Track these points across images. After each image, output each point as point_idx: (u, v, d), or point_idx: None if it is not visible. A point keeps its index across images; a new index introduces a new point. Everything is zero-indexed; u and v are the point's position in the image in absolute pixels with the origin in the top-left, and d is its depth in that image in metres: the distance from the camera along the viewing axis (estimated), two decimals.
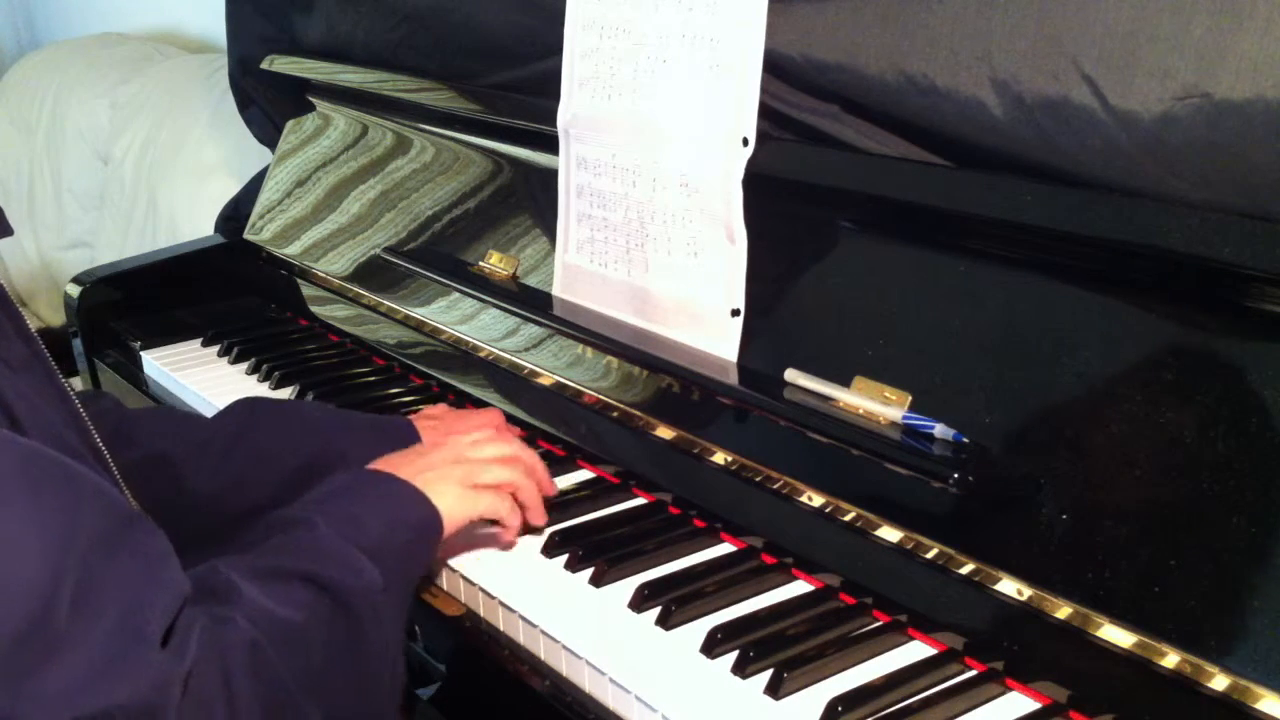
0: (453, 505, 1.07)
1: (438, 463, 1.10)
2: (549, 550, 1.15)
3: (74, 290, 1.86)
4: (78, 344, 1.86)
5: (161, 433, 1.22)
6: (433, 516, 1.05)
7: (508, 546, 1.15)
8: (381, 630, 0.97)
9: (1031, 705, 0.93)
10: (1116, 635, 0.89)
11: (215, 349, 1.72)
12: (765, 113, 1.21)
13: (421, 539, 1.05)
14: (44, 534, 0.77)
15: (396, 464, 1.09)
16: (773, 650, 0.98)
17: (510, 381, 1.43)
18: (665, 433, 1.24)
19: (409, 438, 1.24)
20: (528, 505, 1.15)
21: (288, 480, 1.17)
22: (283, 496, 1.14)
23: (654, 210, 1.30)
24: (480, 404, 1.45)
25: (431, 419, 1.30)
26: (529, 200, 1.54)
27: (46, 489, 0.79)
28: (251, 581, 0.91)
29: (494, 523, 1.14)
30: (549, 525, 1.18)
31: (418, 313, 1.59)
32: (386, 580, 0.97)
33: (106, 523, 0.81)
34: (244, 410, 1.28)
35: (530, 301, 1.44)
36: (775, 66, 1.20)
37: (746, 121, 1.20)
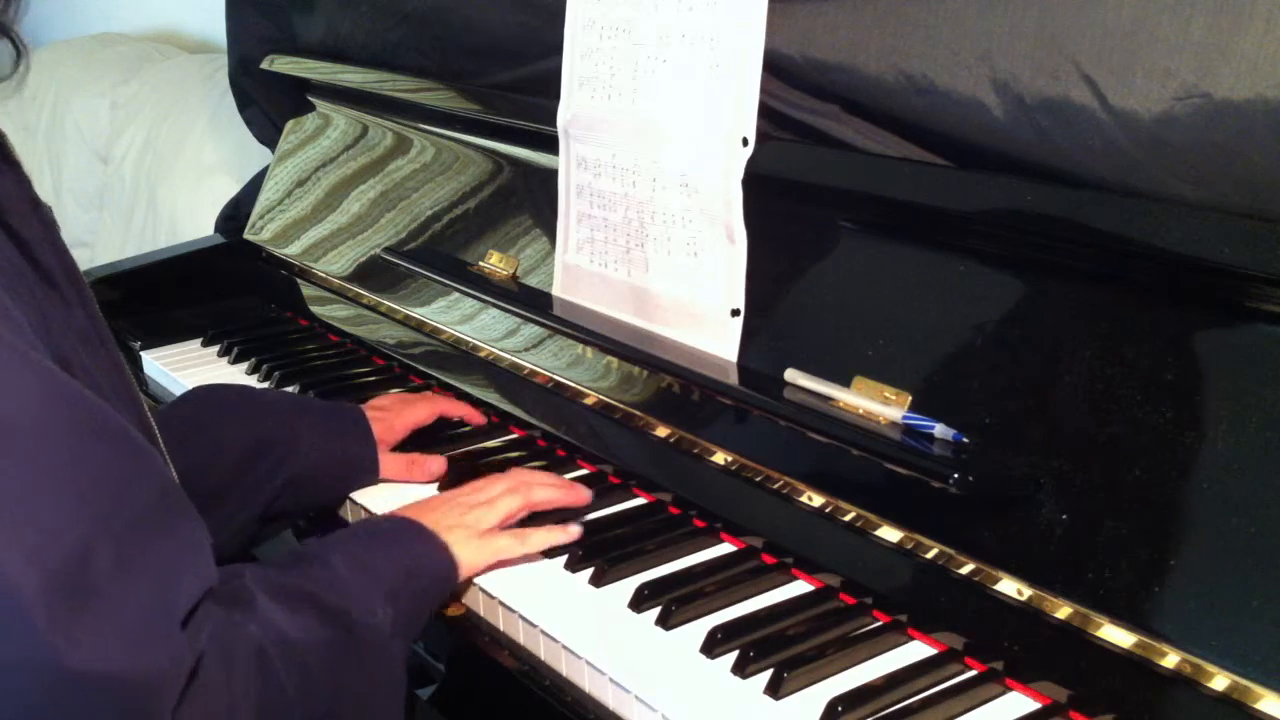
0: (469, 555, 1.09)
1: (447, 513, 1.12)
2: (549, 550, 1.15)
3: None
4: None
5: None
6: (449, 564, 1.07)
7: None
8: (390, 669, 0.98)
9: (1031, 705, 0.93)
10: (1116, 635, 0.89)
11: (215, 349, 1.72)
12: (765, 113, 1.21)
13: (435, 586, 1.06)
14: (101, 490, 0.78)
15: (415, 515, 1.11)
16: (773, 650, 0.98)
17: (510, 381, 1.43)
18: (665, 433, 1.24)
19: (359, 423, 1.28)
20: (554, 504, 1.18)
21: (241, 461, 1.20)
22: (239, 479, 1.18)
23: (654, 210, 1.30)
24: (480, 404, 1.45)
25: (380, 409, 1.33)
26: (529, 200, 1.54)
27: (112, 449, 0.80)
28: (269, 596, 0.92)
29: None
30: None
31: (418, 313, 1.59)
32: (396, 622, 0.98)
33: (160, 501, 0.83)
34: (200, 397, 1.31)
35: (530, 301, 1.44)
36: (775, 66, 1.20)
37: (746, 121, 1.20)
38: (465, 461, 1.32)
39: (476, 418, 1.41)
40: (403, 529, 1.08)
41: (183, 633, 0.81)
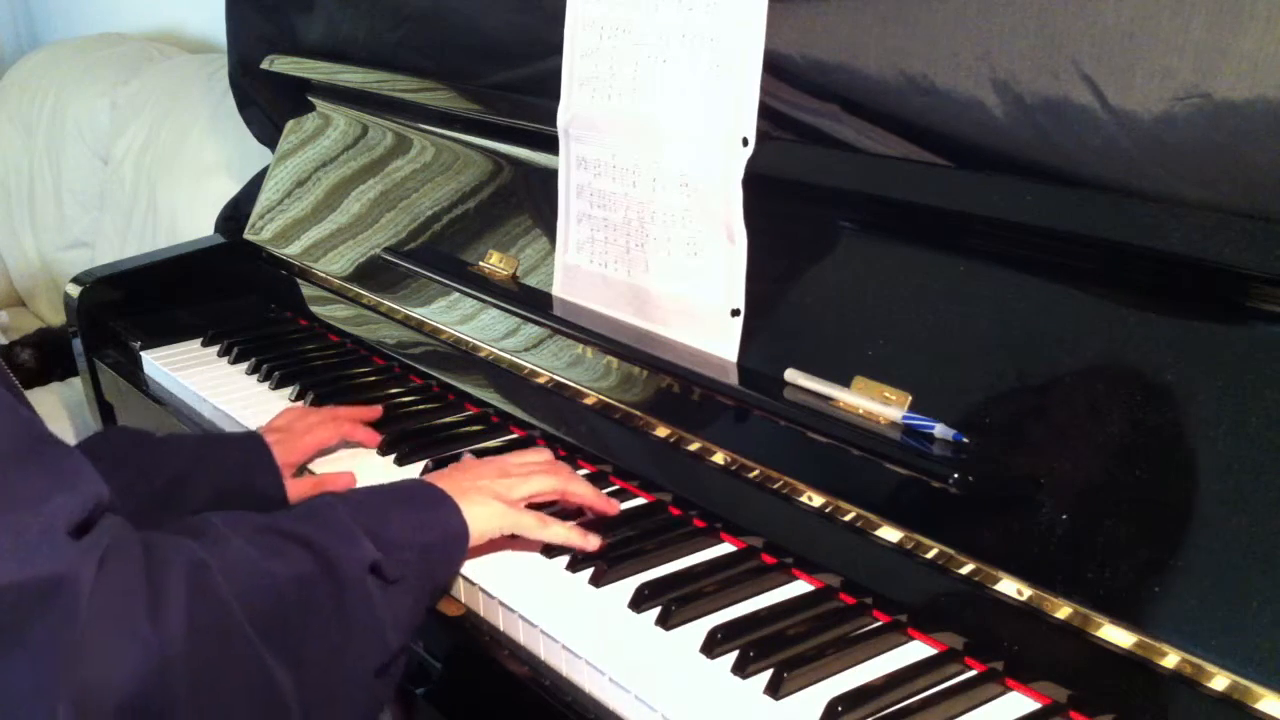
0: (486, 516, 1.10)
1: (479, 475, 1.14)
2: (549, 550, 1.15)
3: (74, 290, 1.86)
4: (78, 344, 1.86)
5: None
6: (459, 524, 1.07)
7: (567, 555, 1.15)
8: (373, 610, 0.97)
9: (1031, 705, 0.93)
10: (1116, 635, 0.89)
11: (215, 349, 1.72)
12: (765, 113, 1.21)
13: (445, 542, 1.06)
14: None
15: (442, 476, 1.13)
16: (773, 650, 0.98)
17: (510, 381, 1.43)
18: (665, 433, 1.24)
19: (260, 453, 1.26)
20: (585, 503, 1.19)
21: (149, 503, 1.17)
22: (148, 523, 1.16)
23: (654, 210, 1.30)
24: (480, 403, 1.45)
25: (279, 430, 1.32)
26: (529, 200, 1.54)
27: None
28: (241, 531, 0.93)
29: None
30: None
31: (418, 313, 1.59)
32: (391, 568, 0.99)
33: (17, 434, 0.83)
34: (107, 440, 1.28)
35: (530, 301, 1.44)
36: (775, 66, 1.20)
37: (746, 121, 1.20)
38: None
39: (372, 440, 1.37)
40: (420, 490, 1.10)
41: (73, 542, 0.80)
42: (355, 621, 0.96)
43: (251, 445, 1.28)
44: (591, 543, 1.13)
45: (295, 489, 1.27)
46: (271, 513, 1.00)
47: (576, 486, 1.18)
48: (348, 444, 1.38)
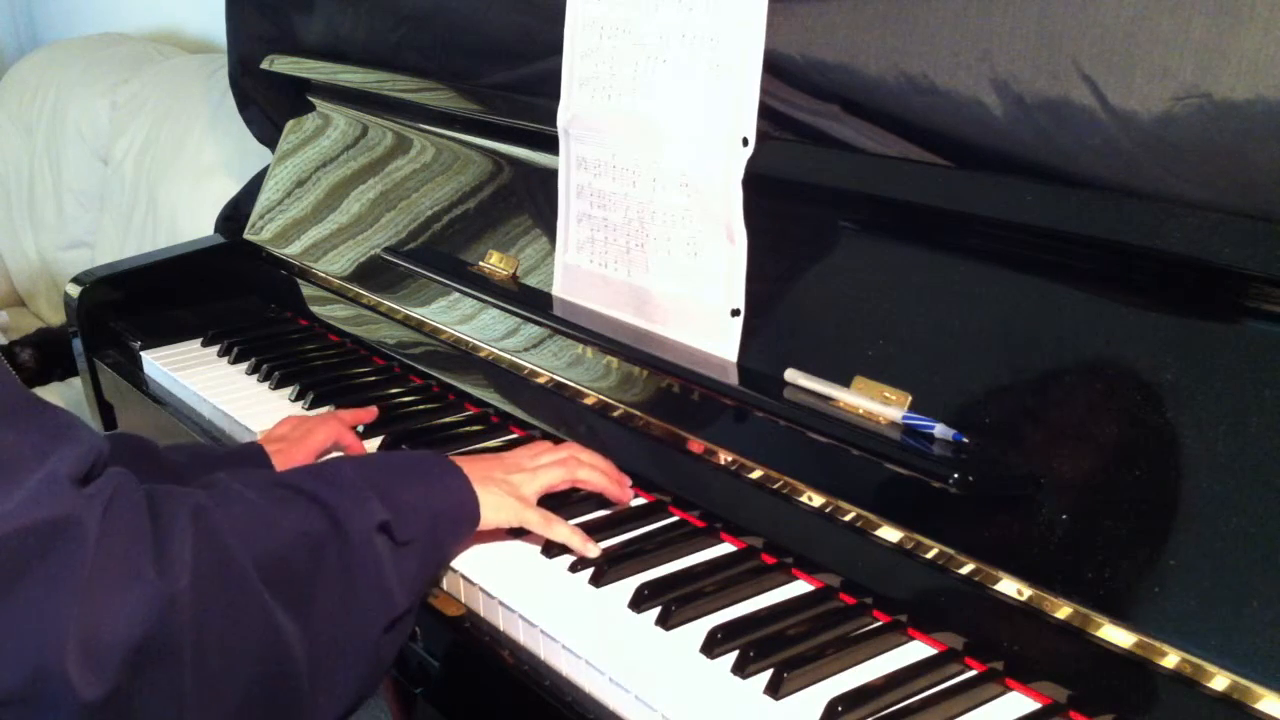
0: (496, 505, 1.11)
1: (492, 466, 1.15)
2: (549, 550, 1.15)
3: (74, 290, 1.86)
4: (78, 344, 1.86)
5: None
6: (472, 509, 1.09)
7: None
8: (380, 568, 0.98)
9: (1031, 705, 0.93)
10: (1116, 635, 0.89)
11: (215, 349, 1.72)
12: (765, 113, 1.21)
13: (455, 512, 1.08)
14: None
15: (461, 461, 1.13)
16: (773, 650, 0.98)
17: (510, 381, 1.43)
18: (665, 433, 1.24)
19: (258, 455, 1.27)
20: (597, 488, 1.20)
21: None
22: None
23: (654, 210, 1.30)
24: (480, 404, 1.45)
25: (279, 440, 1.31)
26: (529, 200, 1.54)
27: None
28: (251, 486, 0.94)
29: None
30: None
31: (418, 313, 1.59)
32: (395, 528, 0.99)
33: (15, 392, 0.84)
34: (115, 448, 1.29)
35: (530, 301, 1.44)
36: (775, 66, 1.20)
37: (746, 121, 1.20)
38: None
39: (357, 446, 1.36)
40: (437, 463, 1.11)
41: (77, 488, 0.82)
42: (362, 578, 0.96)
43: (251, 455, 1.28)
44: (591, 550, 1.13)
45: None
46: (281, 471, 1.01)
47: (585, 474, 1.20)
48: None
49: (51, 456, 0.82)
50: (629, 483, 1.23)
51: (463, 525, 1.09)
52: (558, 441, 1.34)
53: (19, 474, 0.80)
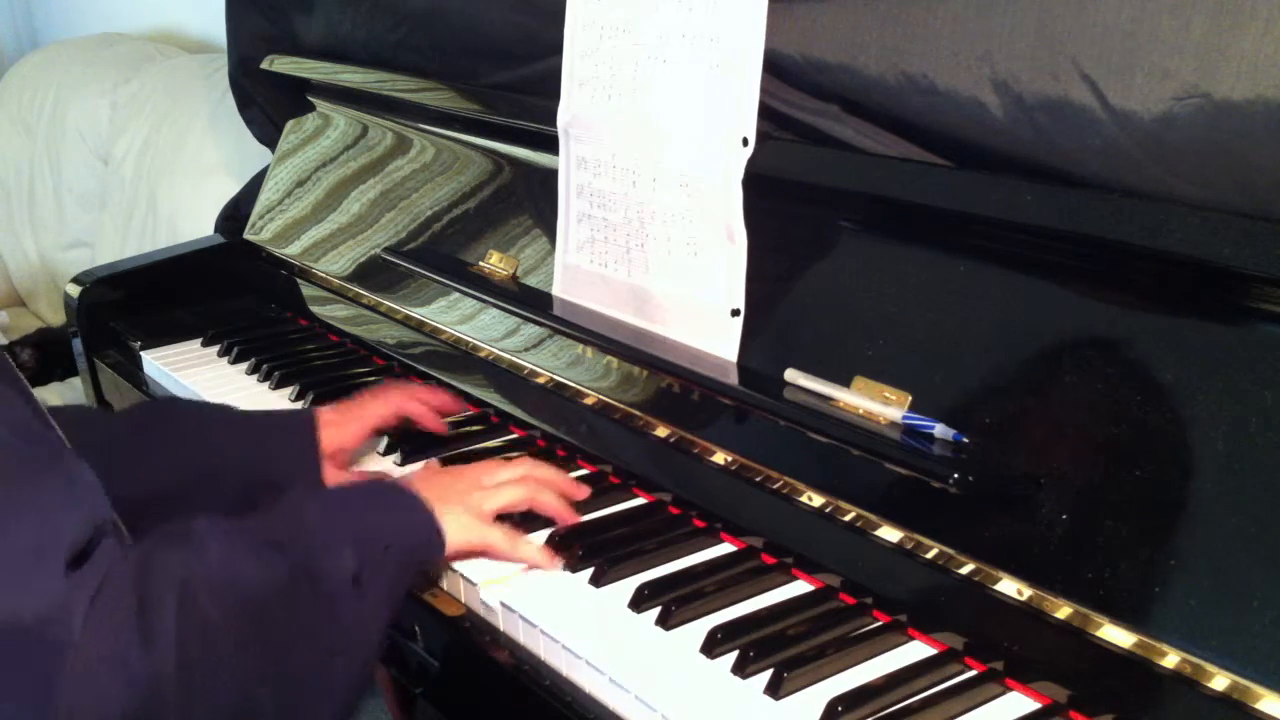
0: (459, 532, 1.08)
1: (449, 486, 1.12)
2: (549, 550, 1.15)
3: (74, 290, 1.86)
4: (78, 344, 1.86)
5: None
6: (434, 536, 1.06)
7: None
8: (354, 618, 0.97)
9: (1031, 705, 0.93)
10: (1116, 635, 0.89)
11: (215, 349, 1.72)
12: (765, 113, 1.21)
13: (420, 553, 1.06)
14: None
15: (414, 483, 1.11)
16: (773, 650, 0.98)
17: (510, 381, 1.43)
18: (665, 433, 1.24)
19: (303, 426, 1.25)
20: (551, 513, 1.17)
21: (179, 490, 1.17)
22: (176, 508, 1.12)
23: (654, 210, 1.30)
24: (480, 403, 1.45)
25: (335, 410, 1.30)
26: (529, 200, 1.54)
27: None
28: (220, 538, 0.92)
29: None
30: (550, 526, 1.18)
31: (418, 313, 1.59)
32: (366, 576, 0.98)
33: (24, 446, 0.82)
34: (145, 414, 1.27)
35: (530, 301, 1.44)
36: (775, 66, 1.20)
37: (746, 121, 1.20)
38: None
39: (438, 426, 1.34)
40: (395, 493, 1.08)
41: (68, 574, 0.80)
42: (336, 627, 0.96)
43: (296, 430, 1.25)
44: (556, 564, 1.12)
45: (339, 480, 1.25)
46: (252, 517, 0.99)
47: (545, 498, 1.16)
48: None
49: (51, 524, 0.81)
50: (586, 493, 1.20)
51: (429, 557, 1.08)
52: (557, 441, 1.34)
53: (18, 538, 0.79)
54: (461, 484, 1.13)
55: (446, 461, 1.30)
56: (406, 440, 1.37)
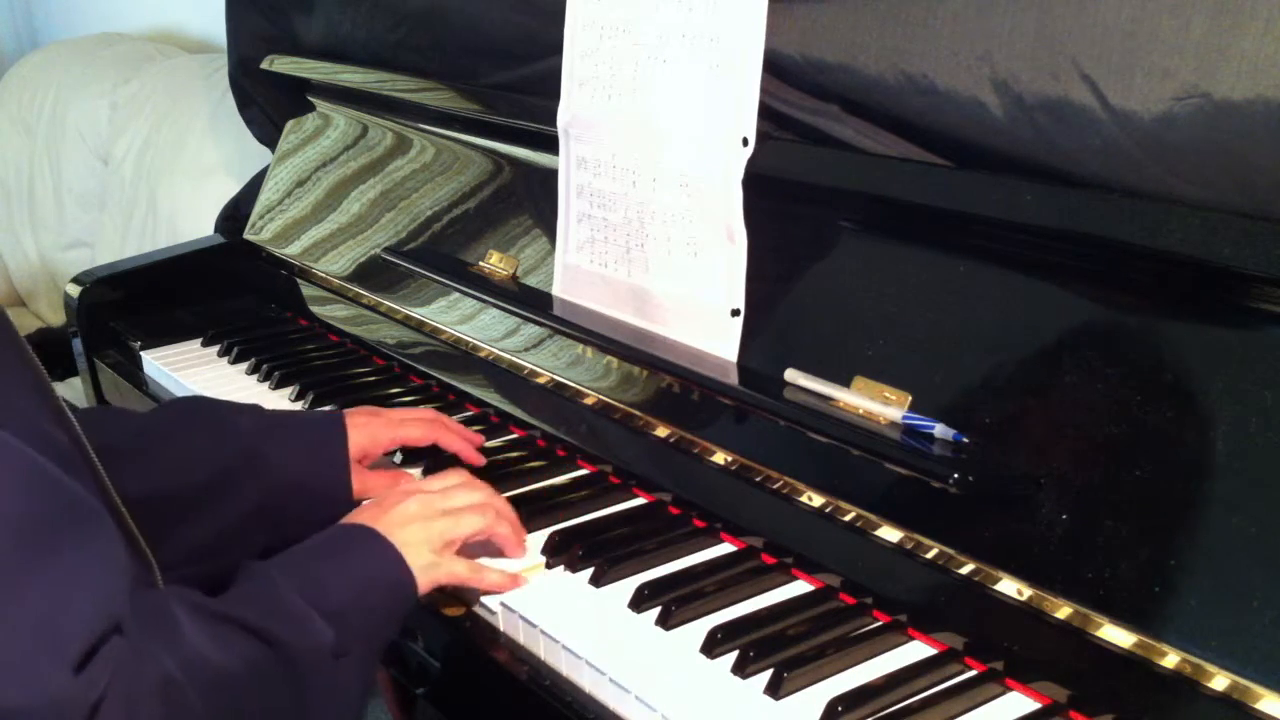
0: (426, 571, 1.04)
1: (411, 518, 1.06)
2: (550, 550, 1.15)
3: (74, 290, 1.86)
4: (78, 344, 1.86)
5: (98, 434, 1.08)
6: (406, 580, 1.02)
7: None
8: (333, 694, 0.95)
9: (1031, 705, 0.93)
10: (1116, 635, 0.89)
11: (215, 349, 1.72)
12: (765, 113, 1.21)
13: (392, 601, 1.02)
14: None
15: (370, 516, 1.06)
16: (773, 650, 0.98)
17: (510, 381, 1.43)
18: (665, 433, 1.24)
19: (333, 428, 1.22)
20: (504, 544, 1.13)
21: (204, 487, 1.14)
22: (200, 507, 1.13)
23: (654, 210, 1.30)
24: (480, 404, 1.45)
25: (368, 415, 1.27)
26: (529, 200, 1.54)
27: None
28: (195, 620, 0.89)
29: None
30: (550, 526, 1.18)
31: (418, 313, 1.59)
32: (344, 642, 0.95)
33: (48, 509, 0.78)
34: (176, 413, 1.25)
35: (530, 301, 1.44)
36: (775, 66, 1.20)
37: (746, 121, 1.20)
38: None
39: (474, 457, 1.30)
40: (358, 541, 1.03)
41: (76, 675, 0.76)
42: (318, 701, 0.94)
43: (326, 431, 1.22)
44: (519, 584, 1.10)
45: (370, 482, 1.22)
46: (227, 593, 0.96)
47: (502, 530, 1.12)
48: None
49: (68, 615, 0.77)
50: (525, 536, 1.16)
51: (401, 607, 1.03)
52: (557, 441, 1.34)
53: (35, 625, 0.75)
54: (422, 511, 1.07)
55: (441, 464, 1.29)
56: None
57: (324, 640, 0.94)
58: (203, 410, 1.24)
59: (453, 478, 1.15)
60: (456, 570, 1.07)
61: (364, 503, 1.13)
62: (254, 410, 1.25)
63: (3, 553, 0.74)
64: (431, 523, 1.07)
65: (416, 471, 1.31)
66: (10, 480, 0.77)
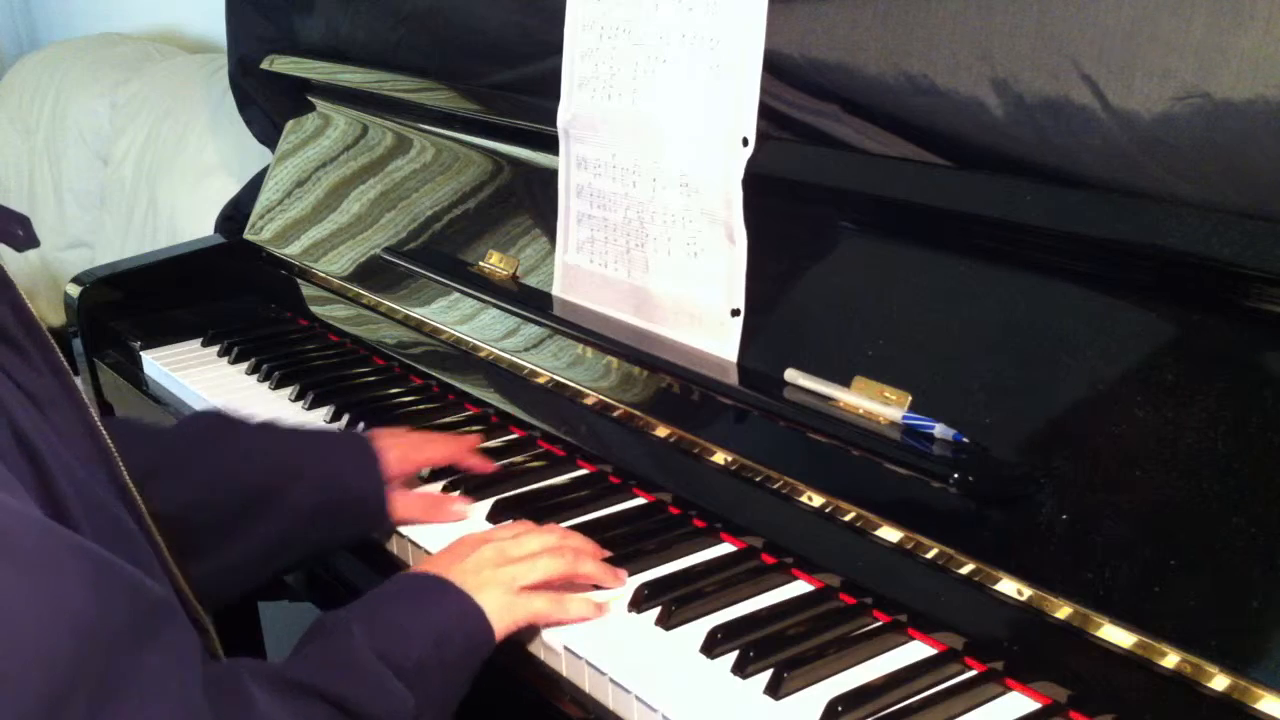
0: (500, 611, 1.01)
1: (484, 563, 1.04)
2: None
3: (74, 290, 1.86)
4: (78, 344, 1.86)
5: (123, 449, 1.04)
6: (484, 630, 0.99)
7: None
8: None
9: (1031, 705, 0.93)
10: (1116, 635, 0.89)
11: (215, 349, 1.72)
12: (765, 113, 1.21)
13: (470, 653, 0.99)
14: (66, 620, 0.71)
15: (443, 566, 1.04)
16: (773, 650, 0.98)
17: (510, 381, 1.43)
18: (665, 433, 1.24)
19: (363, 448, 1.21)
20: (595, 579, 1.09)
21: (240, 504, 1.13)
22: (235, 525, 1.12)
23: (654, 210, 1.30)
24: (480, 404, 1.45)
25: (396, 437, 1.26)
26: (529, 200, 1.54)
27: (71, 575, 0.73)
28: (272, 694, 0.87)
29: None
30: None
31: (418, 313, 1.59)
32: (423, 702, 0.93)
33: (134, 617, 0.76)
34: (199, 428, 1.24)
35: (530, 301, 1.44)
36: (775, 66, 1.20)
37: (746, 121, 1.20)
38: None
39: (485, 467, 1.29)
40: (434, 591, 1.01)
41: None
42: None
43: (361, 449, 1.20)
44: (603, 611, 1.06)
45: (406, 504, 1.21)
46: (297, 656, 0.94)
47: (588, 567, 1.08)
48: None
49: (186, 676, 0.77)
50: (624, 578, 1.11)
51: (480, 656, 1.00)
52: (557, 441, 1.34)
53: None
54: (491, 561, 1.05)
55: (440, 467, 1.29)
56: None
57: (403, 704, 0.92)
58: (228, 427, 1.22)
59: (521, 526, 1.13)
60: (536, 607, 1.03)
61: (434, 553, 1.11)
62: (280, 427, 1.23)
63: (95, 669, 0.72)
64: (502, 567, 1.04)
65: (436, 487, 1.28)
66: (95, 594, 0.74)
